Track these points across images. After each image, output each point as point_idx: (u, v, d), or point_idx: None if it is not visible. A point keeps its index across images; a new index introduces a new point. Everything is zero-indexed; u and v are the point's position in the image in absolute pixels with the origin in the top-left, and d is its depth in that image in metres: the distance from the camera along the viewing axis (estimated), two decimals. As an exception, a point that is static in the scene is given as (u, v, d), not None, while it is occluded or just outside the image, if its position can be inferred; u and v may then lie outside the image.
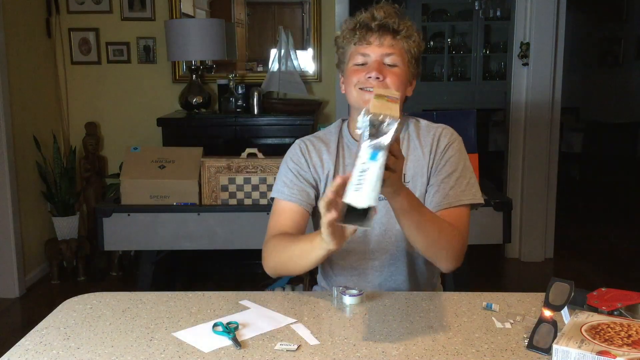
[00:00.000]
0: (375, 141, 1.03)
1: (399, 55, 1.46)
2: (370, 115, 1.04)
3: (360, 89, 1.46)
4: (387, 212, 1.44)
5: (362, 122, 1.05)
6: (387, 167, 1.08)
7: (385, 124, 1.04)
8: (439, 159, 1.49)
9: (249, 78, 3.95)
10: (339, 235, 1.15)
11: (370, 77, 1.44)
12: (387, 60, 1.45)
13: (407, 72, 1.48)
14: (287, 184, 1.53)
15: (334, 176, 1.52)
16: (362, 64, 1.46)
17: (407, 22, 1.48)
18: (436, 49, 7.70)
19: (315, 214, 1.55)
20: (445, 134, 1.52)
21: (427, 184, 1.50)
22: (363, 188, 1.01)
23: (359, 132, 1.07)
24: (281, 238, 1.44)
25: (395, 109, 1.10)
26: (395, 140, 1.10)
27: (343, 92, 1.54)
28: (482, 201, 1.50)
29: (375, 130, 1.04)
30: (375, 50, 1.45)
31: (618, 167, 6.16)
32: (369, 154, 1.03)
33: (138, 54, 3.94)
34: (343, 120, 1.62)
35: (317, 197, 1.53)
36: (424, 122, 1.57)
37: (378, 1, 1.49)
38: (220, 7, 4.09)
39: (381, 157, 1.02)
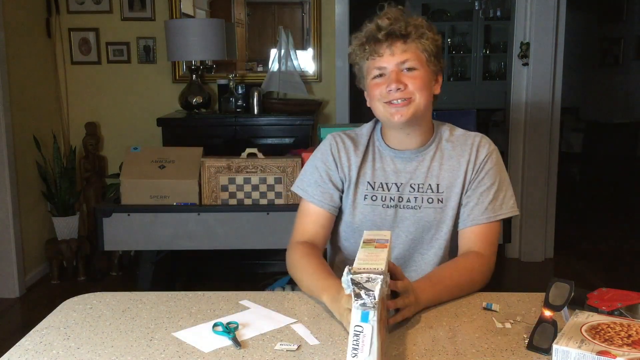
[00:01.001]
0: (361, 302, 0.96)
1: (415, 59, 1.42)
2: (350, 276, 0.98)
3: (386, 102, 1.43)
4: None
5: (345, 282, 0.99)
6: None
7: (370, 282, 0.97)
8: (477, 170, 1.49)
9: (249, 78, 3.95)
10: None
11: (391, 90, 1.41)
12: (405, 66, 1.42)
13: (428, 72, 1.44)
14: (312, 183, 1.54)
15: (357, 180, 1.52)
16: (380, 76, 1.44)
17: (415, 21, 1.44)
18: (436, 49, 7.70)
19: (339, 215, 1.56)
20: (483, 144, 1.51)
21: (462, 193, 1.49)
22: (360, 355, 0.94)
23: (345, 288, 1.00)
24: (302, 256, 1.45)
25: (382, 258, 1.04)
26: (393, 280, 1.11)
27: (368, 105, 1.52)
28: (517, 212, 1.52)
29: (359, 289, 0.96)
30: (389, 60, 1.42)
31: (618, 167, 6.15)
32: (359, 316, 0.96)
33: (138, 54, 3.94)
34: (376, 122, 1.58)
35: (341, 198, 1.54)
36: (459, 130, 1.55)
37: (381, 8, 1.45)
38: (220, 7, 4.09)
39: (373, 317, 0.96)
